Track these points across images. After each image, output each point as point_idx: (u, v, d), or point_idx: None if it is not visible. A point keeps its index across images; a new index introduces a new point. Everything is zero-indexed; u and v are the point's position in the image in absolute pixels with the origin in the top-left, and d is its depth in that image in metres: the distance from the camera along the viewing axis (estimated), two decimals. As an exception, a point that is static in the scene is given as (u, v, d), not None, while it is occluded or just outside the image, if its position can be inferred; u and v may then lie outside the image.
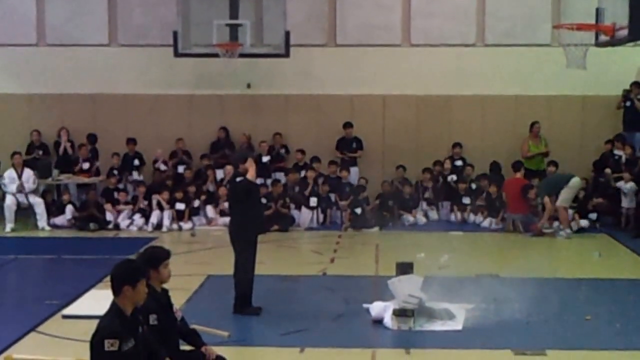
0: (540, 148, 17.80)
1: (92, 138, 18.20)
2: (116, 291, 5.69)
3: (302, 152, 18.01)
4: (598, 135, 17.86)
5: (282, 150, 18.23)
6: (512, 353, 8.84)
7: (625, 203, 16.38)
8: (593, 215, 16.60)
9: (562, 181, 16.00)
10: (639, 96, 17.50)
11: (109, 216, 16.80)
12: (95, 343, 5.53)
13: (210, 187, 17.43)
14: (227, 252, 10.98)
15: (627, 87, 17.65)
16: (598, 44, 12.97)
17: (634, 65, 17.87)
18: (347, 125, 18.16)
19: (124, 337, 5.54)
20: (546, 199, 16.02)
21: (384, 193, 17.42)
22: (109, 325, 5.57)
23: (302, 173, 17.65)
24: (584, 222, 16.28)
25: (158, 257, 6.68)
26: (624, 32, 11.64)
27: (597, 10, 12.57)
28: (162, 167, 18.00)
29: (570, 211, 16.21)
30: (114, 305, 5.70)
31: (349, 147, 18.23)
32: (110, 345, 5.45)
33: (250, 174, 10.38)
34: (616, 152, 17.38)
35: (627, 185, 16.27)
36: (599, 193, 16.96)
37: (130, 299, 5.69)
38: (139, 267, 5.86)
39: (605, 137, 17.75)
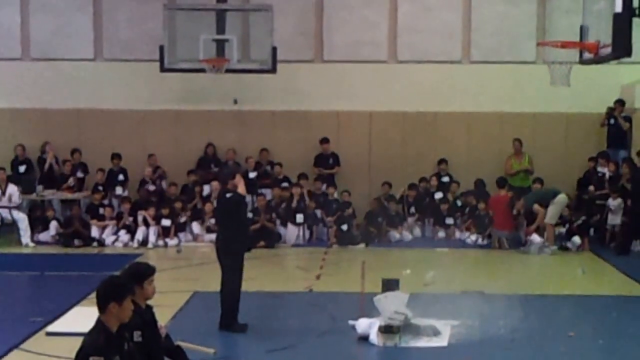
0: (523, 165, 17.86)
1: (79, 153, 18.13)
2: (102, 308, 5.65)
3: (280, 165, 18.00)
4: (582, 153, 17.96)
5: (269, 167, 18.20)
6: (497, 370, 8.87)
7: (612, 220, 16.46)
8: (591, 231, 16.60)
9: (549, 196, 16.06)
10: (622, 114, 17.63)
11: (94, 232, 16.72)
12: None
13: (198, 203, 17.37)
14: (213, 269, 10.95)
15: (611, 104, 17.76)
16: (582, 62, 13.05)
17: (618, 83, 17.99)
18: (324, 140, 18.17)
19: (109, 354, 5.50)
20: (536, 207, 16.01)
21: (372, 210, 17.42)
22: (94, 342, 5.53)
23: (285, 185, 17.64)
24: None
25: (142, 273, 6.64)
26: (608, 50, 11.71)
27: (581, 28, 12.65)
28: (151, 187, 17.91)
29: (577, 239, 16.19)
30: (99, 322, 5.66)
31: (326, 163, 18.25)
32: None
33: (241, 189, 10.41)
34: (600, 169, 17.48)
35: (614, 202, 16.36)
36: (583, 210, 17.00)
37: (115, 316, 5.66)
38: (125, 284, 5.83)
39: (589, 154, 17.84)
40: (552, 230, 15.94)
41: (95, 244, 16.50)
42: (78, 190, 17.73)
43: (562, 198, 15.99)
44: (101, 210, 17.11)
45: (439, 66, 18.27)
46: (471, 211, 17.28)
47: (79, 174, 18.03)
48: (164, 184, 17.98)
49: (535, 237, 15.97)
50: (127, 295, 5.71)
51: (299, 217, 16.97)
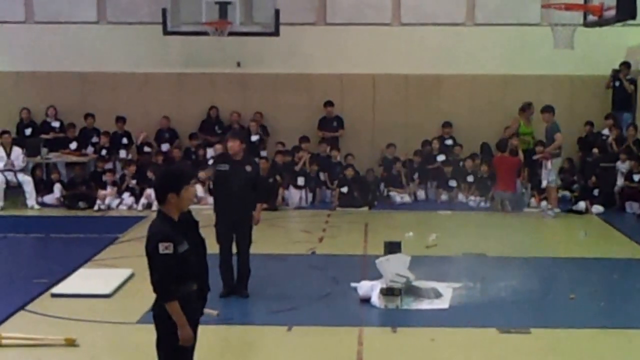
0: (530, 129, 17.73)
1: (92, 118, 18.14)
2: (161, 200, 5.78)
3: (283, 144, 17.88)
4: (587, 115, 17.92)
5: (260, 132, 18.01)
6: (498, 331, 8.93)
7: (622, 182, 16.43)
8: (595, 192, 16.55)
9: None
10: (628, 76, 17.56)
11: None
12: (151, 249, 5.65)
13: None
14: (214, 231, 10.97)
15: (617, 67, 17.69)
16: (586, 24, 12.99)
17: (624, 45, 17.89)
18: (328, 104, 18.14)
19: (177, 239, 5.66)
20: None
21: (373, 173, 17.45)
22: (160, 229, 5.69)
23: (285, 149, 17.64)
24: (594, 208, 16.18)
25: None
26: (612, 13, 11.67)
27: (586, -10, 12.59)
28: (147, 148, 18.00)
29: (582, 203, 16.16)
30: (160, 212, 5.82)
31: (330, 126, 18.22)
32: (165, 248, 5.57)
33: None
34: (604, 132, 17.44)
35: (624, 165, 16.35)
36: (587, 173, 17.00)
37: (175, 205, 5.77)
38: (182, 174, 5.94)
39: (593, 117, 17.81)
40: (555, 194, 15.92)
41: (102, 206, 16.42)
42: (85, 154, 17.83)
43: (556, 160, 15.89)
44: (104, 178, 17.09)
45: (443, 28, 18.16)
46: (474, 174, 17.27)
47: (94, 139, 18.06)
48: (164, 147, 17.94)
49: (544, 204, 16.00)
50: (184, 185, 5.81)
51: (300, 180, 16.98)
